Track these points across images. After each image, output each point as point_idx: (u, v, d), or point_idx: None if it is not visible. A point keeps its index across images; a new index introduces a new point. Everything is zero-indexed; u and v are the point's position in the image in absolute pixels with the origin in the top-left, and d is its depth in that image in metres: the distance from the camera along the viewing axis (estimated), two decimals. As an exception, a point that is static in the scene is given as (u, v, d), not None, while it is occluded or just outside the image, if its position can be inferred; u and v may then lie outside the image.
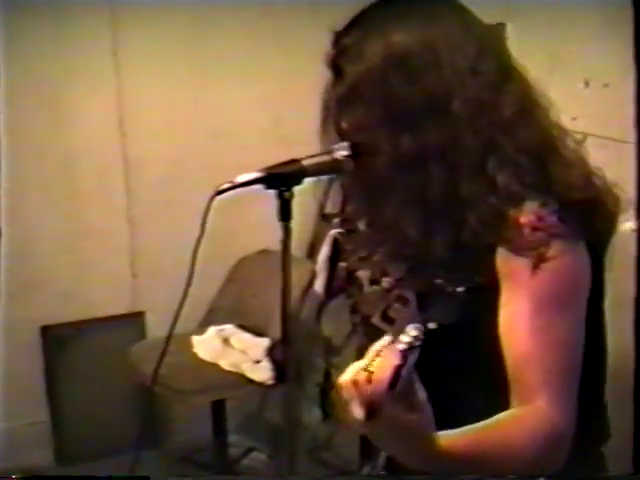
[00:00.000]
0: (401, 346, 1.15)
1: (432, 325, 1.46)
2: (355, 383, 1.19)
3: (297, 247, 3.26)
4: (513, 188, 1.46)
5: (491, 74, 1.51)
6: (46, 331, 4.10)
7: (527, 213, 1.45)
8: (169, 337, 2.00)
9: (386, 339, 1.22)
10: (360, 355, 1.27)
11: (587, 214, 1.46)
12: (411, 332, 1.15)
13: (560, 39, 3.48)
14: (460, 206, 1.50)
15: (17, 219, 3.94)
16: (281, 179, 1.73)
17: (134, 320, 4.19)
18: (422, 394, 1.21)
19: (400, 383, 1.14)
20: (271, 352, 3.65)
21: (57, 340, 4.10)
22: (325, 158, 1.67)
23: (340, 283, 3.67)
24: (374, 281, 1.74)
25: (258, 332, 3.75)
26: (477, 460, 1.31)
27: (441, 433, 1.26)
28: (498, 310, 1.47)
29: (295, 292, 3.76)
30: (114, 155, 4.07)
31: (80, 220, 4.08)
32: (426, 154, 1.51)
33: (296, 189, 1.71)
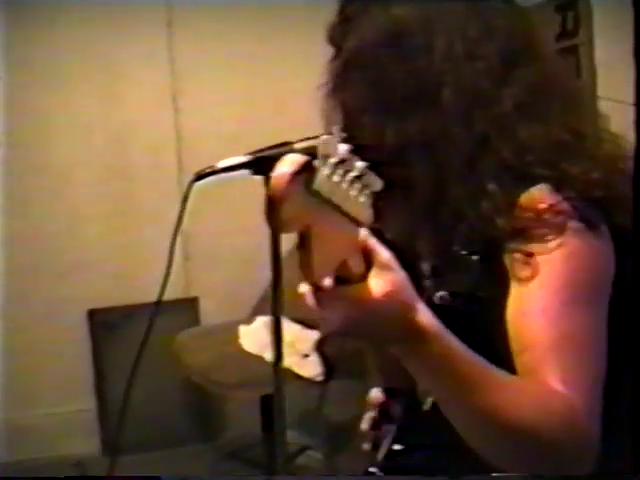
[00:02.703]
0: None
1: (441, 293, 1.34)
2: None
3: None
4: (502, 199, 1.32)
5: (492, 59, 1.36)
6: (94, 315, 3.95)
7: (538, 197, 1.31)
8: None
9: None
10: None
11: (607, 208, 1.32)
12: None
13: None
14: (448, 211, 1.37)
15: (64, 197, 3.82)
16: (269, 164, 1.53)
17: (187, 306, 4.03)
18: (386, 253, 1.08)
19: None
20: (320, 346, 3.41)
21: (105, 324, 3.95)
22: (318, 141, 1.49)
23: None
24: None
25: (310, 325, 3.50)
26: (467, 381, 1.12)
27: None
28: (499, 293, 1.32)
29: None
30: (167, 131, 3.91)
31: (130, 199, 3.92)
32: (411, 147, 1.37)
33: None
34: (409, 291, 1.09)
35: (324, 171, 0.98)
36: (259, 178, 1.61)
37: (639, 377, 1.27)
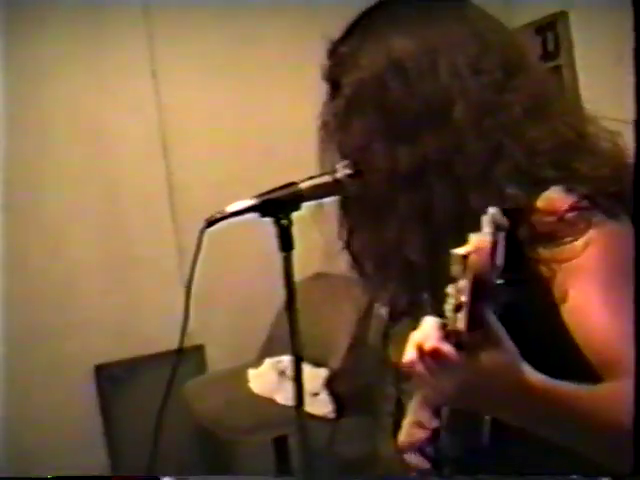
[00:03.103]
0: (487, 230, 1.08)
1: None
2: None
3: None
4: (522, 200, 1.34)
5: (495, 72, 1.41)
6: (100, 370, 3.93)
7: (556, 199, 1.34)
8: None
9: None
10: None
11: (621, 199, 1.35)
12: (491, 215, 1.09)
13: (627, 28, 3.23)
14: (471, 221, 1.31)
15: (61, 255, 3.82)
16: (277, 205, 1.57)
17: (193, 354, 4.01)
18: (500, 328, 1.12)
19: (499, 258, 1.07)
20: (330, 384, 3.41)
21: (112, 379, 3.94)
22: (325, 179, 1.55)
23: (402, 306, 3.47)
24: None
25: (317, 362, 3.50)
26: (573, 410, 1.18)
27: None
28: (539, 301, 1.33)
29: (354, 316, 3.55)
30: (159, 182, 3.91)
31: (127, 252, 3.92)
32: (427, 168, 1.40)
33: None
34: (518, 356, 1.13)
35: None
36: (267, 220, 1.63)
37: (639, 377, 1.27)
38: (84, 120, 3.81)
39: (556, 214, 1.32)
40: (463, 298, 1.08)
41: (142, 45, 3.83)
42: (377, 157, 1.43)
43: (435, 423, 1.65)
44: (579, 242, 1.30)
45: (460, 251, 1.09)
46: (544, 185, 1.35)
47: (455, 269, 1.10)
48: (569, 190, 1.34)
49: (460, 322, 1.09)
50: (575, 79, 3.37)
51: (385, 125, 1.43)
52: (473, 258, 1.08)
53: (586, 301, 1.31)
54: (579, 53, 3.47)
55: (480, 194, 1.36)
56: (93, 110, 3.81)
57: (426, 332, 1.13)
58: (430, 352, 1.10)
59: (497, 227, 1.09)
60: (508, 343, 1.12)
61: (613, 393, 1.23)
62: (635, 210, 1.32)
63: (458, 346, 1.09)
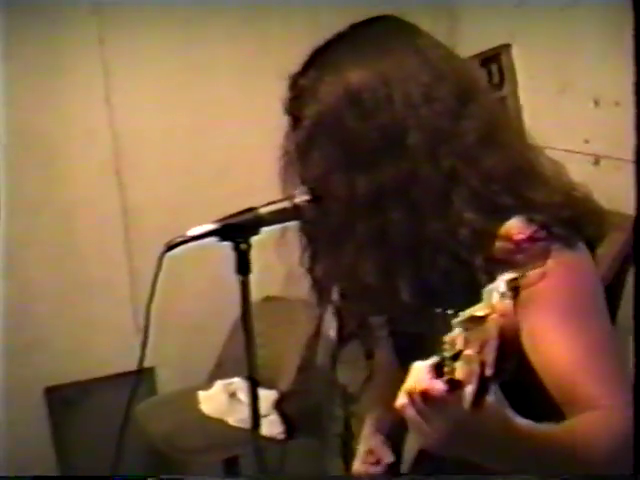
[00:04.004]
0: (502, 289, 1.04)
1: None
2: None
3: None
4: (480, 225, 1.39)
5: (447, 100, 1.45)
6: (51, 392, 3.94)
7: (515, 228, 1.38)
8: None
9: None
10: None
11: (575, 225, 1.41)
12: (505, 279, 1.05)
13: (568, 58, 3.34)
14: (427, 247, 1.44)
15: (15, 277, 3.83)
16: (236, 230, 1.62)
17: (144, 376, 4.02)
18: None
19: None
20: (280, 405, 3.47)
21: (63, 401, 3.95)
22: (284, 205, 1.61)
23: (351, 328, 3.53)
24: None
25: (267, 384, 3.55)
26: (553, 453, 1.22)
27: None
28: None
29: (303, 338, 3.61)
30: (112, 206, 3.93)
31: (80, 275, 3.94)
32: (383, 195, 1.45)
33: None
34: (503, 401, 1.14)
35: None
36: (226, 244, 1.68)
37: (639, 377, 1.33)
38: (40, 144, 3.83)
39: (515, 243, 1.36)
40: (475, 358, 1.02)
41: (97, 69, 3.86)
42: (336, 185, 1.48)
43: (390, 458, 1.69)
44: (536, 271, 1.28)
45: (479, 312, 1.05)
46: (504, 213, 1.39)
47: (468, 327, 1.05)
48: (529, 220, 1.38)
49: (467, 392, 1.04)
50: (518, 109, 3.47)
51: (343, 155, 1.48)
52: (498, 320, 1.03)
53: (542, 330, 1.34)
54: (522, 84, 3.58)
55: (438, 219, 1.41)
56: (49, 135, 3.84)
57: (417, 377, 1.11)
58: (421, 393, 1.09)
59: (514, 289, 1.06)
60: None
61: (572, 428, 1.27)
62: (635, 210, 1.38)
63: (451, 384, 1.06)
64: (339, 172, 1.48)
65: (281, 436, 3.43)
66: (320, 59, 1.55)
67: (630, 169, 2.76)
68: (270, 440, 3.40)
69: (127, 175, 3.95)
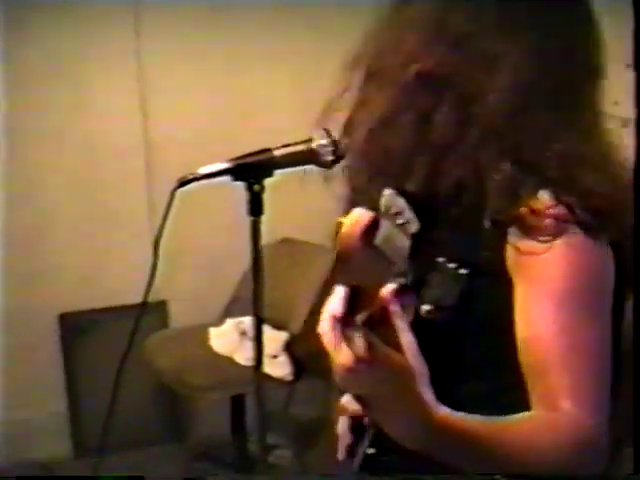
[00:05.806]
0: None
1: (427, 307, 1.30)
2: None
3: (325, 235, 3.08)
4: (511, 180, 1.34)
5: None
6: (64, 319, 3.97)
7: (541, 201, 1.33)
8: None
9: None
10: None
11: (607, 218, 1.34)
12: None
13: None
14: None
15: (33, 204, 3.84)
16: (250, 170, 1.61)
17: (156, 309, 4.05)
18: (409, 337, 1.13)
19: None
20: (289, 347, 3.48)
21: (75, 328, 3.97)
22: (300, 148, 1.57)
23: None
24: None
25: (278, 325, 3.56)
26: (482, 449, 1.20)
27: (445, 408, 1.17)
28: (502, 304, 1.35)
29: (318, 282, 3.60)
30: (135, 137, 3.92)
31: (99, 204, 3.95)
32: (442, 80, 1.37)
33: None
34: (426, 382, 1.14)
35: (384, 225, 1.04)
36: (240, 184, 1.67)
37: (639, 377, 1.31)
38: (64, 70, 3.81)
39: (535, 212, 1.32)
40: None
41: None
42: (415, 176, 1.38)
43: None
44: (546, 244, 1.30)
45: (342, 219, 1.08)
46: (543, 183, 1.35)
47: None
48: (557, 196, 1.33)
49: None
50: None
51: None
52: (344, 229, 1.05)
53: (537, 319, 1.31)
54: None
55: (483, 149, 1.35)
56: (73, 62, 3.82)
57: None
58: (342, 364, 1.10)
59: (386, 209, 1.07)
60: (418, 360, 1.13)
61: (533, 425, 1.25)
62: (635, 210, 1.34)
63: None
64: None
65: (289, 377, 3.44)
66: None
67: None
68: (277, 381, 3.42)
69: (151, 106, 3.93)
